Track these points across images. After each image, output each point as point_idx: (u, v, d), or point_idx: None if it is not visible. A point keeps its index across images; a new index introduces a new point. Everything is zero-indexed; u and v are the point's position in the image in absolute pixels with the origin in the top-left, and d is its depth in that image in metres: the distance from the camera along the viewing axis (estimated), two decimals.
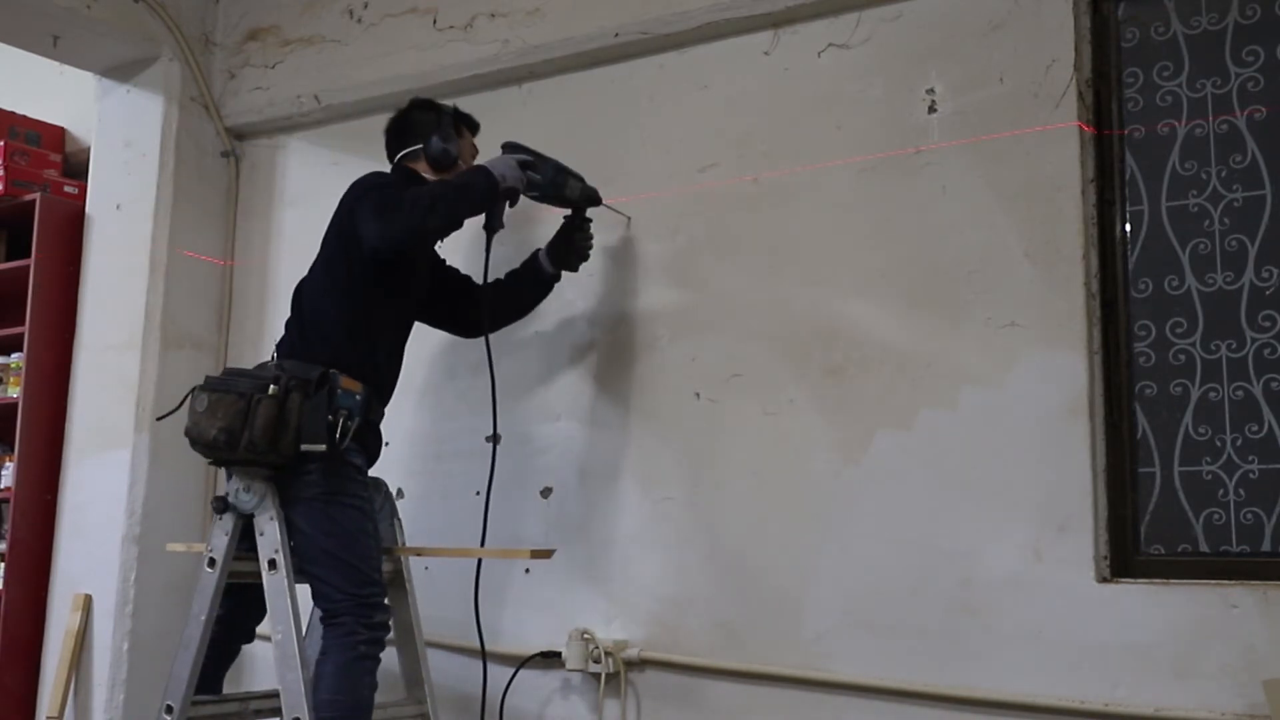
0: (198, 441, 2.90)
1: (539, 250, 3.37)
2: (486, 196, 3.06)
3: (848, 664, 2.99)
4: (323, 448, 2.83)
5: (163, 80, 4.21)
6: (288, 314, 3.15)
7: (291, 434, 2.82)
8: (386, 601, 3.00)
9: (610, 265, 3.51)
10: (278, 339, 3.12)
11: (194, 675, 2.91)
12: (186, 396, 2.96)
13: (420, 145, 3.20)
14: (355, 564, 2.91)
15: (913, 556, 2.94)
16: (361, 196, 3.01)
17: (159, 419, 3.42)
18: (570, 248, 3.32)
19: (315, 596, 2.94)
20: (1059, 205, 2.88)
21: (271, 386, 2.82)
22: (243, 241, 4.32)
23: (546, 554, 3.09)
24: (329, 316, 3.02)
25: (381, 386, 3.12)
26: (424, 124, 3.22)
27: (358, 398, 2.95)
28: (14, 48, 4.22)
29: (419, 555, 3.26)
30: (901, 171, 3.09)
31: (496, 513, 3.58)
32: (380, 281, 3.06)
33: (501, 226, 3.18)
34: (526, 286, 3.38)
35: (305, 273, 3.15)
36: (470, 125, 3.34)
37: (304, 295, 3.11)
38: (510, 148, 3.18)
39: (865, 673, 2.96)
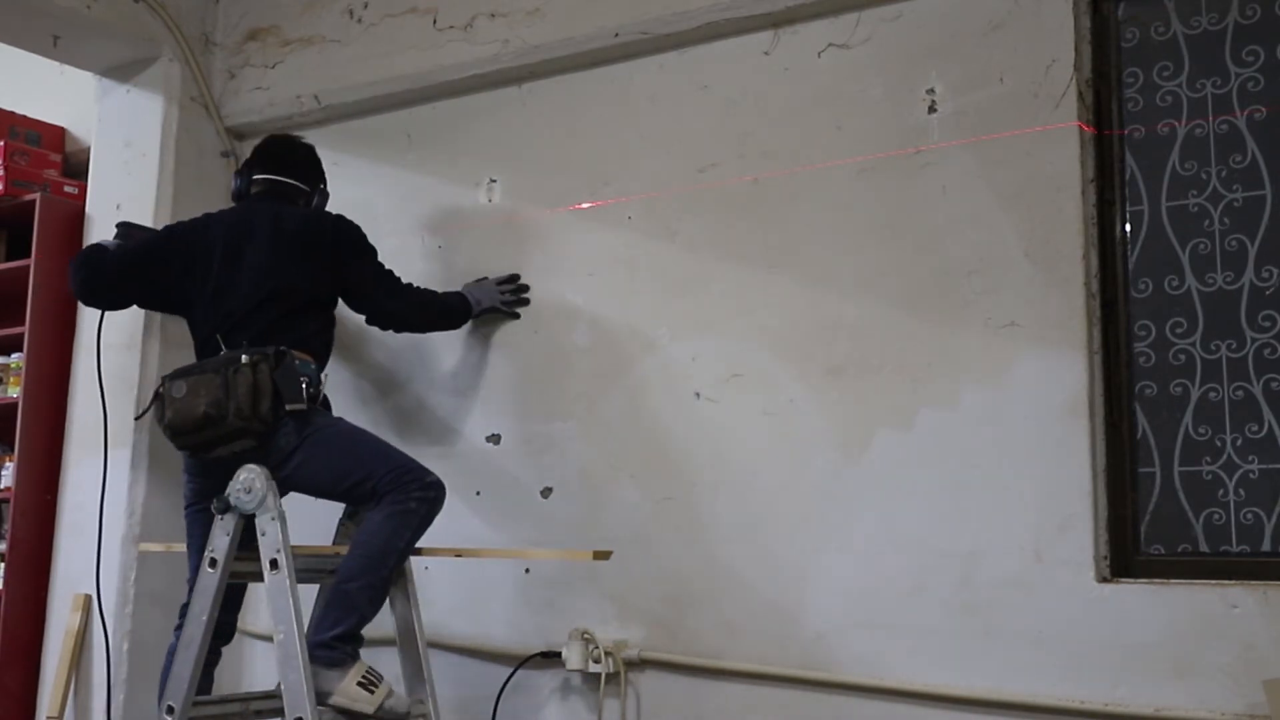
0: (184, 425, 2.98)
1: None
2: (459, 324, 3.61)
3: (848, 664, 3.00)
4: (303, 405, 3.01)
5: (163, 80, 4.20)
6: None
7: (268, 399, 2.96)
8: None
9: (610, 265, 3.51)
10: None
11: (195, 675, 2.91)
12: (155, 395, 3.10)
13: (309, 189, 3.46)
14: (385, 451, 3.09)
15: (913, 556, 2.94)
16: (366, 254, 3.36)
17: (137, 417, 3.47)
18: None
19: (364, 500, 3.04)
20: (1059, 205, 2.88)
21: (244, 357, 2.98)
22: None
23: (605, 555, 3.07)
24: (314, 325, 3.24)
25: (324, 362, 3.31)
26: (316, 169, 3.53)
27: (312, 367, 3.14)
28: (14, 48, 4.21)
29: (462, 556, 3.30)
30: (901, 171, 3.09)
31: (497, 513, 3.59)
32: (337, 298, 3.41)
33: None
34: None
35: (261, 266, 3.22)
36: None
37: (291, 302, 3.19)
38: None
39: (865, 673, 2.97)
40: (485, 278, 3.66)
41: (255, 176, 3.42)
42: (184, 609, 3.18)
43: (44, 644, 4.10)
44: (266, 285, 3.17)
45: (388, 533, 2.97)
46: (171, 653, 3.12)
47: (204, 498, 3.13)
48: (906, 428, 3.00)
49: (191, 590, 3.15)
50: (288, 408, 2.98)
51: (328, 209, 3.48)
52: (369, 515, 3.02)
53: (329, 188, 3.52)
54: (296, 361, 3.06)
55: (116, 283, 3.33)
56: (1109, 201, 2.91)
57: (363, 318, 3.45)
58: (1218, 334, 2.78)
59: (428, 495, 3.02)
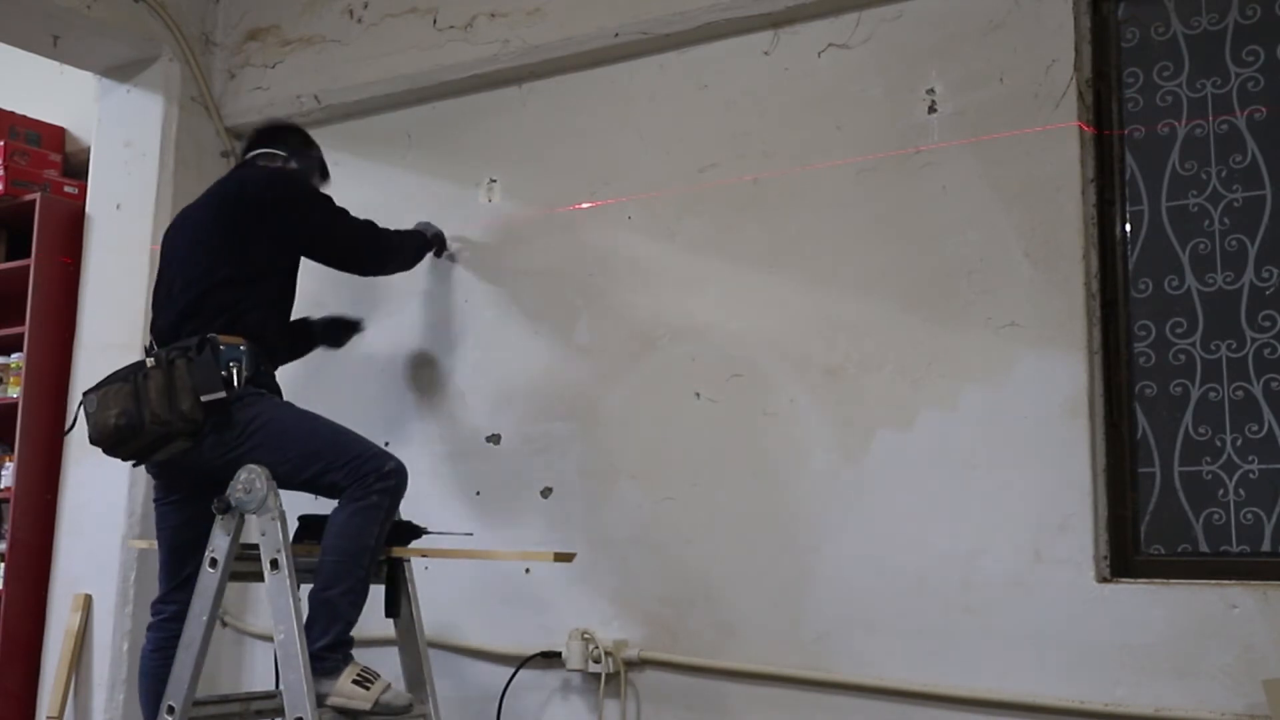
0: (104, 438, 2.92)
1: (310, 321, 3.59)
2: (423, 250, 3.63)
3: (848, 664, 2.99)
4: (222, 394, 2.87)
5: (163, 80, 4.21)
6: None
7: (187, 395, 2.85)
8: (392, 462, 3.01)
9: (609, 265, 3.51)
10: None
11: (195, 675, 2.90)
12: (77, 411, 3.03)
13: (288, 153, 3.34)
14: (338, 439, 2.97)
15: (913, 556, 2.94)
16: (319, 207, 3.19)
17: (64, 434, 3.38)
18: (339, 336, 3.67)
19: (323, 492, 2.97)
20: (1059, 205, 2.88)
21: (149, 360, 2.89)
22: None
23: (568, 557, 3.04)
24: (245, 303, 3.03)
25: (274, 351, 3.15)
26: (298, 142, 3.41)
27: (241, 349, 2.97)
28: (14, 48, 4.21)
29: (425, 556, 3.25)
30: (901, 171, 3.09)
31: (497, 512, 3.59)
32: (294, 267, 3.22)
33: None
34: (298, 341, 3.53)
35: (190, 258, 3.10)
36: (324, 175, 3.49)
37: (197, 269, 3.03)
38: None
39: (865, 673, 2.97)
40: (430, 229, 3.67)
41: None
42: (155, 605, 3.15)
43: (44, 644, 4.10)
44: (190, 274, 3.03)
45: (354, 531, 2.90)
46: (145, 656, 3.08)
47: (169, 491, 3.10)
48: (906, 428, 3.00)
49: (162, 583, 3.13)
50: (203, 399, 2.84)
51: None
52: (334, 512, 2.94)
53: (318, 162, 3.42)
54: (222, 347, 2.91)
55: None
56: (1109, 201, 2.91)
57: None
58: (1218, 334, 2.78)
59: (388, 485, 2.94)
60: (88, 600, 4.00)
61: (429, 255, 3.69)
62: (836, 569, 3.04)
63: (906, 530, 2.96)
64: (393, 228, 3.46)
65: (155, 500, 3.18)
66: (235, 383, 2.91)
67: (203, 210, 3.15)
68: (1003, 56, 2.99)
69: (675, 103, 3.47)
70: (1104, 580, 2.75)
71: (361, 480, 2.91)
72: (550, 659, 3.38)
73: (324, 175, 3.47)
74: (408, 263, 3.55)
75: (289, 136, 3.41)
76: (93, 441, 2.97)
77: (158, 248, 4.05)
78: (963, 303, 2.97)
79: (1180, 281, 2.84)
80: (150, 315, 3.20)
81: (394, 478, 2.96)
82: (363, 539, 2.91)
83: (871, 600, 2.98)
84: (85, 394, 2.99)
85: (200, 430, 2.89)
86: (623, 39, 3.49)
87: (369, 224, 3.32)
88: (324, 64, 4.07)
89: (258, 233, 3.07)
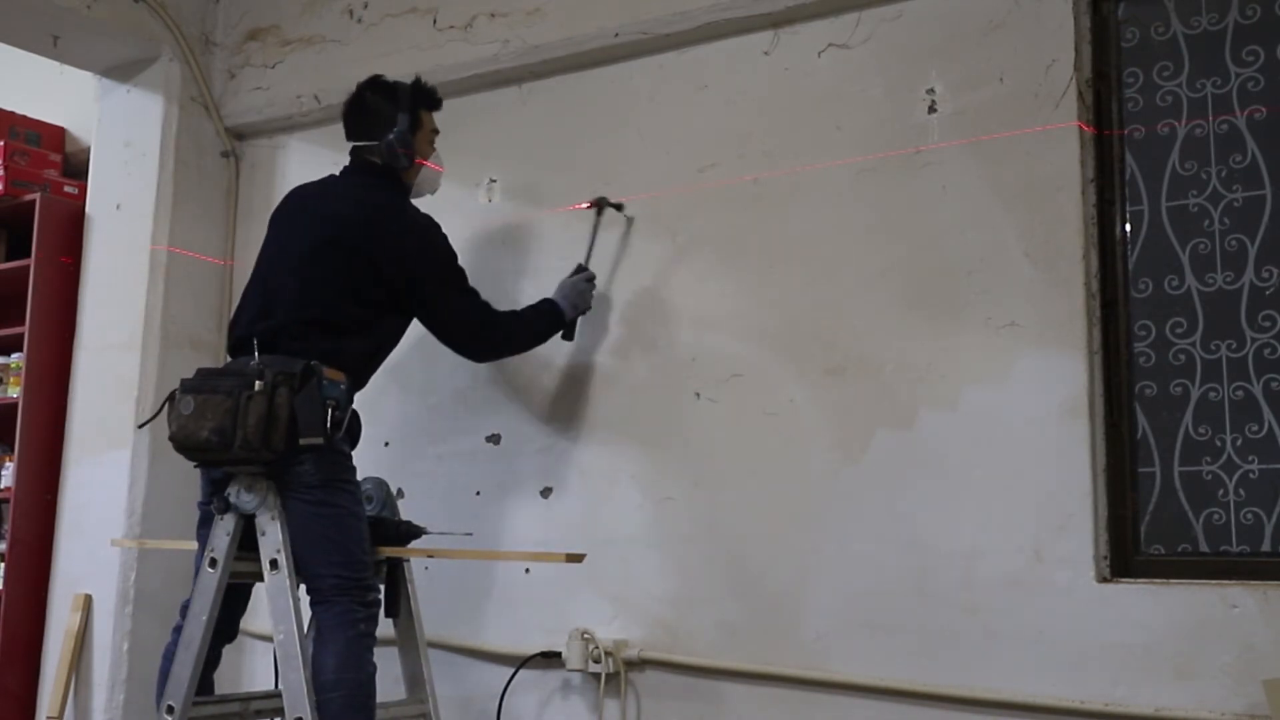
0: (187, 444, 2.86)
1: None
2: (552, 333, 3.34)
3: (848, 664, 2.99)
4: (320, 440, 2.82)
5: (163, 80, 4.21)
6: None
7: (282, 428, 2.78)
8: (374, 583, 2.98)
9: (610, 265, 3.51)
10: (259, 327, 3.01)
11: (195, 675, 2.90)
12: (165, 402, 2.96)
13: (377, 142, 3.19)
14: (350, 547, 2.91)
15: (913, 556, 2.94)
16: (445, 273, 3.13)
17: (140, 426, 3.33)
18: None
19: (307, 580, 2.90)
20: (1059, 205, 2.88)
21: (257, 383, 2.79)
22: (243, 241, 4.31)
23: (579, 558, 3.00)
24: (340, 327, 3.00)
25: (362, 380, 3.12)
26: (381, 113, 3.20)
27: (342, 387, 2.94)
28: (14, 48, 4.22)
29: (425, 556, 3.26)
30: (901, 171, 3.09)
31: (497, 513, 3.59)
32: (404, 311, 3.16)
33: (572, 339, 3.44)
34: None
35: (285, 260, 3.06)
36: (430, 103, 3.29)
37: (309, 297, 3.00)
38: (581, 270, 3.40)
39: (865, 672, 2.97)
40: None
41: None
42: (184, 607, 3.13)
43: (44, 644, 4.10)
44: (302, 288, 3.00)
45: (356, 663, 2.83)
46: (167, 656, 3.08)
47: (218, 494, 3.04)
48: (906, 428, 3.00)
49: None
50: (302, 442, 2.79)
51: (394, 189, 3.20)
52: (321, 649, 2.84)
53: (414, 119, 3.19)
54: (325, 382, 2.86)
55: None
56: (1109, 201, 2.91)
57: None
58: (1218, 334, 2.78)
59: (373, 612, 2.92)
60: (88, 600, 4.01)
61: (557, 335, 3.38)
62: (836, 569, 3.04)
63: (906, 530, 2.96)
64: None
65: (201, 504, 3.08)
66: (330, 424, 2.84)
67: (321, 223, 3.07)
68: (1003, 56, 2.99)
69: (675, 103, 3.47)
70: (1104, 580, 2.75)
71: (353, 594, 2.87)
72: (550, 659, 3.38)
73: (429, 101, 3.26)
74: (526, 346, 3.34)
75: (374, 118, 3.20)
76: (173, 439, 2.89)
77: (158, 248, 4.12)
78: (963, 303, 2.97)
79: (1180, 281, 2.84)
80: (242, 303, 3.12)
81: (376, 606, 2.94)
82: (364, 668, 2.85)
83: (871, 600, 2.98)
84: (182, 391, 2.88)
85: (278, 461, 2.83)
86: (623, 39, 3.49)
87: (486, 309, 3.19)
88: (324, 64, 4.07)
89: (361, 271, 3.02)
